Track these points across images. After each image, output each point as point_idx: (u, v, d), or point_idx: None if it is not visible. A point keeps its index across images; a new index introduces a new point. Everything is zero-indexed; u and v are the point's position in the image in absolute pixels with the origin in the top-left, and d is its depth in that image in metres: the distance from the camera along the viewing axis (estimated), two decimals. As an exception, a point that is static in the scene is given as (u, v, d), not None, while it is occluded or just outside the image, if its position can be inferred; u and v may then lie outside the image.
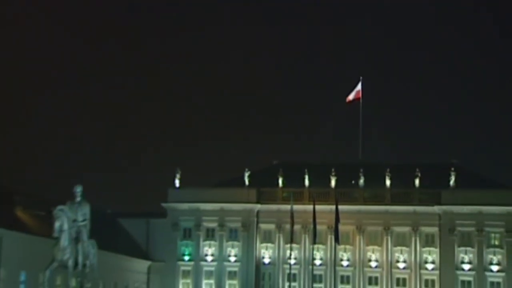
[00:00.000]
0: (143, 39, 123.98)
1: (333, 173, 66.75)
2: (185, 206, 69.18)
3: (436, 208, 65.71)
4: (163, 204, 69.89)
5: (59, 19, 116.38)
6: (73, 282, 28.82)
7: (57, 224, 27.15)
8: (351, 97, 72.73)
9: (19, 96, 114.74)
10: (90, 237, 28.84)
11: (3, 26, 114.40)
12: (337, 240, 60.18)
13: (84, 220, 28.04)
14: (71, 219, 27.56)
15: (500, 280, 63.96)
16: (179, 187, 70.05)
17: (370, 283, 66.58)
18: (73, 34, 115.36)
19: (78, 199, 28.06)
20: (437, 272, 65.41)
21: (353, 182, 67.94)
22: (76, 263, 28.00)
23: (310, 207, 60.52)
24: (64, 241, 27.36)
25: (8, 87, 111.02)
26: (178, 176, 69.88)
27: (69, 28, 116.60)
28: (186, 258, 69.17)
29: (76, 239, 27.84)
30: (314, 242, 62.24)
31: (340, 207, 60.48)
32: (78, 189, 27.99)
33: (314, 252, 64.33)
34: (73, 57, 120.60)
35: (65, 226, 27.31)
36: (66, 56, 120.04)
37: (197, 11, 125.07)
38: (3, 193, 52.85)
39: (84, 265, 28.40)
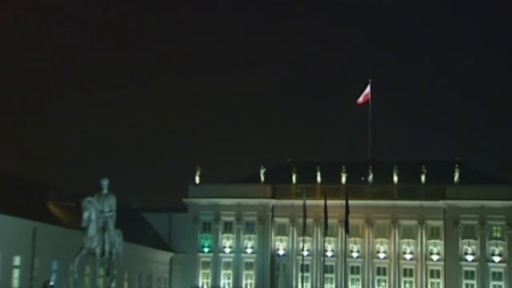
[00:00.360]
0: (160, 37, 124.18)
1: (343, 170, 67.07)
2: (204, 201, 69.79)
3: (441, 203, 65.89)
4: (184, 200, 70.56)
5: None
6: (100, 269, 28.92)
7: (85, 215, 27.38)
8: (361, 99, 72.84)
9: (49, 96, 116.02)
10: (116, 227, 28.99)
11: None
12: (347, 231, 60.10)
13: (110, 211, 28.25)
14: (98, 210, 27.77)
15: (501, 270, 64.09)
16: (199, 184, 70.66)
17: (378, 273, 66.85)
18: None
19: (105, 191, 28.22)
20: (442, 263, 65.62)
21: (362, 178, 68.09)
22: (103, 251, 28.19)
23: (322, 202, 60.74)
24: (92, 230, 27.58)
25: (37, 86, 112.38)
26: (198, 173, 70.55)
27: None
28: (206, 250, 69.86)
29: (103, 229, 28.02)
30: (326, 235, 62.62)
31: (350, 202, 60.42)
32: (105, 182, 28.19)
33: (326, 244, 64.71)
34: (92, 57, 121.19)
35: (93, 217, 27.53)
36: (87, 54, 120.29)
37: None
38: (36, 188, 53.41)
39: (110, 253, 28.56)
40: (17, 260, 45.70)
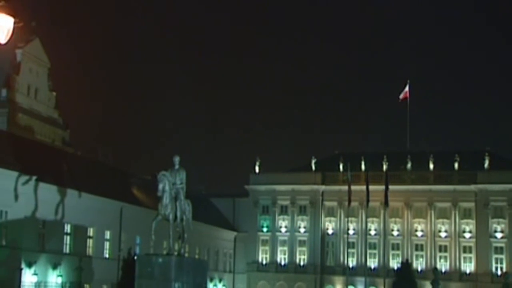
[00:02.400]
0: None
1: (385, 160, 67.11)
2: (263, 187, 71.46)
3: (473, 187, 65.82)
4: (246, 186, 72.49)
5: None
6: (173, 232, 28.85)
7: (160, 186, 27.93)
8: (401, 96, 73.16)
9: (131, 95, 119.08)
10: (185, 198, 28.90)
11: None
12: (386, 203, 57.88)
13: (181, 183, 28.56)
14: (171, 182, 28.21)
15: (528, 246, 63.69)
16: (258, 172, 72.34)
17: (416, 250, 67.23)
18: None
19: (177, 167, 28.44)
20: (473, 240, 65.62)
21: (402, 167, 68.30)
22: (175, 217, 28.55)
23: (366, 187, 61.07)
24: (166, 199, 28.16)
25: (121, 84, 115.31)
26: (257, 163, 72.28)
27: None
28: (265, 229, 71.50)
29: (175, 198, 28.44)
30: (369, 216, 63.58)
31: (391, 187, 59.04)
32: (176, 159, 28.49)
33: (369, 224, 65.52)
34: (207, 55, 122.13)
35: (167, 188, 28.04)
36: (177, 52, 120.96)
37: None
38: (121, 175, 56.16)
39: (181, 219, 28.83)
40: (107, 234, 48.47)
